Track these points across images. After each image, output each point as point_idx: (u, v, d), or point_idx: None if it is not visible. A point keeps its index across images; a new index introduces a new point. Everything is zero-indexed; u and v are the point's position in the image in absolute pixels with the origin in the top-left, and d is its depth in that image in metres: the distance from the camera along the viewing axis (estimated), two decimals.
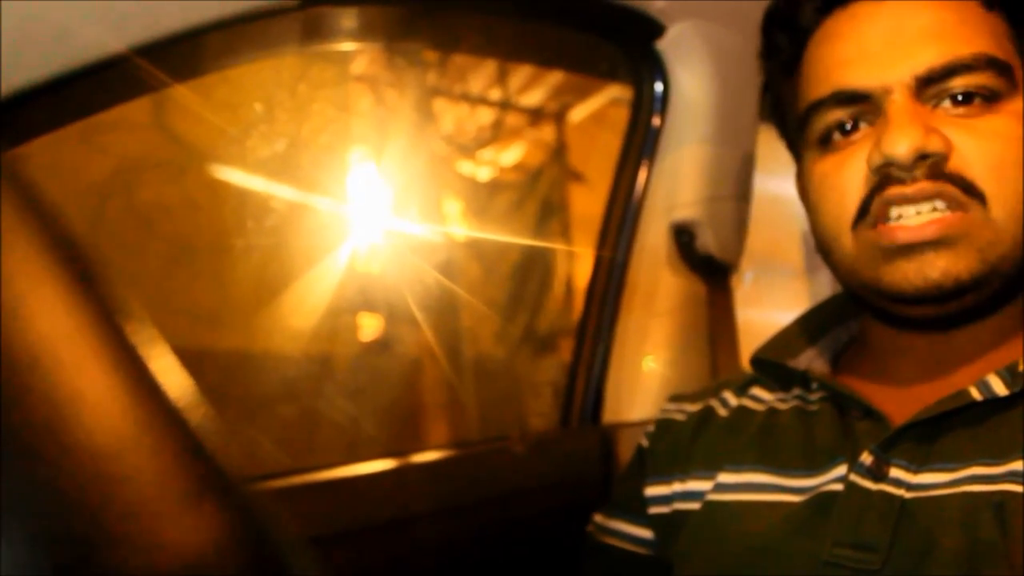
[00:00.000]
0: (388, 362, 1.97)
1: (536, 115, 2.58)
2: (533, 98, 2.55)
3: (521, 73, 2.43)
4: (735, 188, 1.23)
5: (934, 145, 0.67)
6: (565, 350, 1.29)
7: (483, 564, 1.02)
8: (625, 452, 1.14)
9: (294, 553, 0.33)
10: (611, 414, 1.22)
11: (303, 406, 1.70)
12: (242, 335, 1.70)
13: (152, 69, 0.75)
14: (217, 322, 1.68)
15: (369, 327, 1.95)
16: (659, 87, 1.21)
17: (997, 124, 0.69)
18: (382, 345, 1.94)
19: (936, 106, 0.70)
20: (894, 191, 0.68)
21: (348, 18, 0.98)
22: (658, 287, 1.22)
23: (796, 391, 0.82)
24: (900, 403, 0.73)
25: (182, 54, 0.79)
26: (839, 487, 0.71)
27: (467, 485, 1.04)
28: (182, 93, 0.85)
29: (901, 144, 0.67)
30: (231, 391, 1.63)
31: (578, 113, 2.58)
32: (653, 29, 1.16)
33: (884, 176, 0.69)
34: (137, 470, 0.29)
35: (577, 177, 2.52)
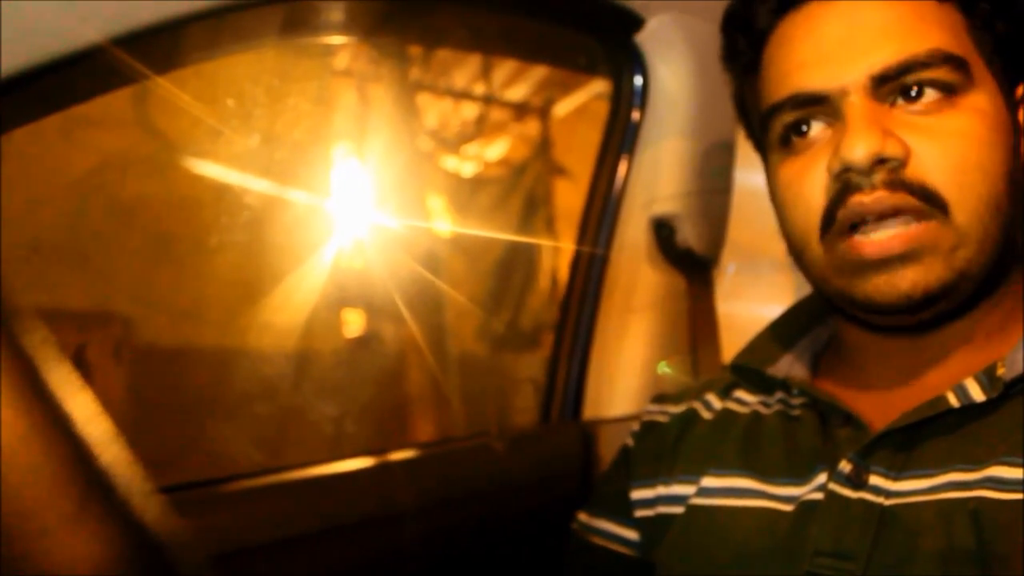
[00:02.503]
0: (371, 358, 1.96)
1: (520, 110, 2.58)
2: (517, 93, 2.54)
3: (505, 68, 2.43)
4: (715, 182, 1.23)
5: (891, 149, 0.67)
6: (548, 345, 1.29)
7: (463, 560, 1.02)
8: (605, 448, 1.14)
9: (188, 568, 0.32)
10: (591, 410, 1.22)
11: (285, 402, 1.70)
12: (225, 331, 1.69)
13: (131, 61, 0.75)
14: (200, 318, 1.67)
15: (352, 323, 1.95)
16: (638, 81, 1.20)
17: (957, 123, 0.68)
18: (365, 341, 1.94)
19: (893, 104, 0.69)
20: (855, 200, 0.68)
21: (330, 11, 0.98)
22: (638, 282, 1.22)
23: (779, 395, 0.82)
24: (879, 408, 0.73)
25: (162, 46, 0.78)
26: (820, 495, 0.71)
27: (447, 481, 1.04)
28: (163, 87, 0.84)
29: (859, 149, 0.67)
30: (215, 387, 1.62)
31: (562, 108, 2.57)
32: (632, 22, 1.15)
33: (844, 183, 0.69)
34: (18, 488, 0.28)
35: (561, 172, 2.52)
